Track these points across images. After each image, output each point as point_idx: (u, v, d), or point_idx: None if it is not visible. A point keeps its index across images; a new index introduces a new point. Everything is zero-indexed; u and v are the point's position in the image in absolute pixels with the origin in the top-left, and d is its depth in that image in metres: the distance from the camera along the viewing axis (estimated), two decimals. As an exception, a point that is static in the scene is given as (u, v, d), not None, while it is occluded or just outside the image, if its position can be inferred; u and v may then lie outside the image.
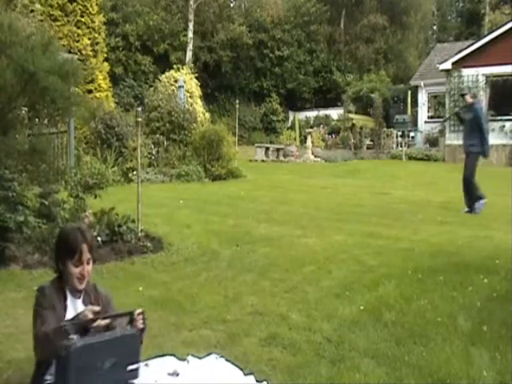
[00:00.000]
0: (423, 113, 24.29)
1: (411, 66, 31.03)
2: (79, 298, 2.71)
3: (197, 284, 5.06)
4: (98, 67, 16.22)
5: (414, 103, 24.60)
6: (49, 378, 2.55)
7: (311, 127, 25.19)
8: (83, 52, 15.52)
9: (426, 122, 24.02)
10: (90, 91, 15.31)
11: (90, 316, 2.47)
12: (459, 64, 20.03)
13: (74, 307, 2.68)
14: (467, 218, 8.67)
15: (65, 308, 2.64)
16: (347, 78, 30.26)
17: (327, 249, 6.46)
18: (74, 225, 2.93)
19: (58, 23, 15.40)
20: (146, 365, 2.88)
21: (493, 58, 18.84)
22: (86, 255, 2.65)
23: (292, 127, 27.09)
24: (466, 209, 9.22)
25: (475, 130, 9.22)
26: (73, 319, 2.49)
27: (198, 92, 18.46)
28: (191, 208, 8.90)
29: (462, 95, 10.07)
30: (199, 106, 17.87)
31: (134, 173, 11.03)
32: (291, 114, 30.12)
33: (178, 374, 2.65)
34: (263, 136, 27.27)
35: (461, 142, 19.80)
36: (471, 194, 9.18)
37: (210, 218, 8.14)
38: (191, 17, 27.66)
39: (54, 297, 2.62)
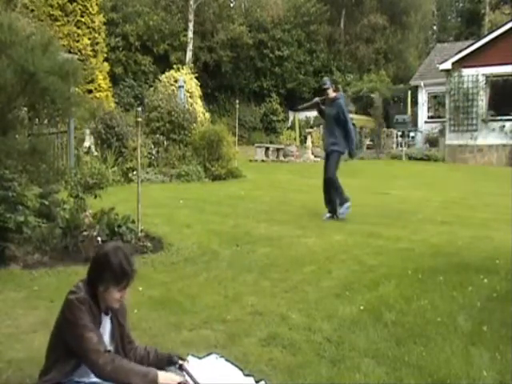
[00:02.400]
0: (423, 113, 24.29)
1: (411, 66, 31.02)
2: (108, 314, 2.65)
3: (197, 284, 5.06)
4: (98, 67, 16.25)
5: (414, 103, 24.60)
6: (77, 379, 2.53)
7: (311, 127, 25.18)
8: (83, 52, 15.55)
9: (426, 122, 24.03)
10: (90, 91, 15.34)
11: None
12: (459, 64, 20.03)
13: (104, 324, 2.62)
14: (467, 218, 8.66)
15: (100, 324, 2.57)
16: (347, 78, 30.25)
17: (327, 249, 6.46)
18: (119, 247, 2.65)
19: (58, 23, 15.42)
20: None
21: (493, 58, 18.84)
22: (131, 281, 2.59)
23: (292, 127, 27.08)
24: (328, 214, 8.35)
25: (338, 127, 8.22)
26: None
27: (198, 92, 18.46)
28: (191, 208, 8.89)
29: (324, 89, 8.42)
30: (199, 106, 17.87)
31: (134, 173, 11.02)
32: (291, 114, 30.12)
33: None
34: (263, 136, 27.28)
35: (461, 141, 20.24)
36: (334, 198, 8.29)
37: (210, 217, 8.14)
38: (191, 17, 27.67)
39: (94, 311, 2.53)
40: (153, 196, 9.33)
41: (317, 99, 8.63)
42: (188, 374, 2.59)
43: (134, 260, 2.65)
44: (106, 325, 2.63)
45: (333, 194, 8.28)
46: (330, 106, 8.31)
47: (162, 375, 2.46)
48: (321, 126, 25.84)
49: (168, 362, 2.70)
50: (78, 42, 15.62)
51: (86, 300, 2.50)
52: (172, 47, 28.26)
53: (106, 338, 2.63)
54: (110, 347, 2.63)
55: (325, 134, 8.71)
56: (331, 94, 8.35)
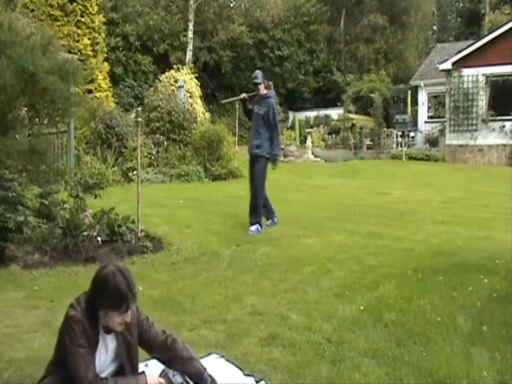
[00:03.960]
0: (423, 113, 24.28)
1: (411, 66, 31.02)
2: (109, 333, 2.57)
3: (197, 284, 5.06)
4: (97, 67, 16.23)
5: (414, 103, 24.59)
6: None
7: (311, 127, 25.19)
8: (83, 52, 15.54)
9: (426, 122, 24.01)
10: (90, 91, 15.33)
11: None
12: (459, 64, 20.03)
13: (105, 343, 2.58)
14: (467, 218, 8.66)
15: (96, 344, 2.51)
16: (347, 78, 30.25)
17: (327, 249, 6.46)
18: (119, 269, 2.54)
19: (58, 23, 15.41)
20: (146, 365, 2.89)
21: (493, 58, 18.84)
22: (131, 304, 2.50)
23: (292, 127, 27.07)
24: (268, 222, 7.55)
25: (265, 129, 7.37)
26: None
27: (198, 92, 18.45)
28: (191, 208, 8.89)
29: (255, 84, 7.45)
30: (199, 106, 17.87)
31: (134, 173, 11.03)
32: (291, 114, 30.12)
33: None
34: (263, 136, 27.23)
35: (461, 141, 20.25)
36: (258, 210, 7.35)
37: (210, 217, 8.14)
38: (191, 17, 27.65)
39: (89, 332, 2.47)
40: (153, 196, 9.34)
41: (244, 95, 7.66)
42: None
43: (134, 282, 2.55)
44: (108, 343, 2.58)
45: (258, 205, 7.38)
46: (259, 104, 7.44)
47: (150, 377, 2.47)
48: (321, 126, 25.98)
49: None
50: (77, 42, 15.61)
51: (80, 321, 2.45)
52: (172, 47, 28.24)
53: (109, 356, 2.60)
54: (111, 366, 2.60)
55: (250, 134, 7.70)
56: (262, 90, 7.45)
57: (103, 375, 2.57)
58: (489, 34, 20.53)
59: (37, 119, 5.85)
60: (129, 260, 5.76)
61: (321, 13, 31.34)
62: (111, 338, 2.59)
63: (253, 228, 7.21)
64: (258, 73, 7.60)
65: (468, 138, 20.10)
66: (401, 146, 21.65)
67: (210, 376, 2.69)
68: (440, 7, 40.33)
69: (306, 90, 30.89)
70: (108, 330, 2.56)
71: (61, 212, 6.20)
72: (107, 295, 2.45)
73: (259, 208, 7.36)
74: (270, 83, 7.56)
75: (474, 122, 20.08)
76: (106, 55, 17.86)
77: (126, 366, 2.63)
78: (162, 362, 2.75)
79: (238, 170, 14.22)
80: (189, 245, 6.42)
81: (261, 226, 7.30)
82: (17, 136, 5.44)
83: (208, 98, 25.41)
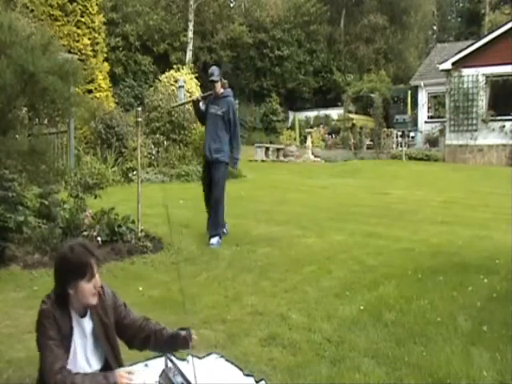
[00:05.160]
0: (423, 113, 24.28)
1: (411, 66, 31.03)
2: (85, 315, 2.57)
3: (197, 284, 5.06)
4: (97, 67, 16.22)
5: (414, 103, 24.60)
6: None
7: (311, 127, 25.18)
8: (83, 52, 15.53)
9: (426, 122, 24.01)
10: (90, 91, 15.31)
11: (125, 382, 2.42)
12: (459, 64, 20.03)
13: (82, 327, 2.56)
14: (467, 218, 8.66)
15: (71, 332, 2.50)
16: (347, 78, 30.25)
17: (327, 249, 6.46)
18: (72, 242, 2.61)
19: (58, 23, 15.40)
20: (146, 365, 2.88)
21: (493, 58, 18.84)
22: (96, 268, 2.51)
23: (292, 127, 27.08)
24: (215, 239, 6.61)
25: (226, 130, 6.73)
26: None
27: (198, 92, 18.42)
28: (191, 208, 8.88)
29: (212, 81, 6.71)
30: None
31: (134, 173, 11.02)
32: (291, 114, 30.13)
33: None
34: (263, 136, 27.25)
35: (461, 141, 20.25)
36: (219, 222, 6.76)
37: (210, 218, 8.13)
38: (191, 17, 27.66)
39: (60, 322, 2.46)
40: (153, 196, 9.33)
41: (197, 96, 7.08)
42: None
43: (93, 248, 2.58)
44: (86, 326, 2.57)
45: (219, 213, 6.80)
46: (215, 104, 6.74)
47: (120, 376, 2.44)
48: (321, 126, 25.97)
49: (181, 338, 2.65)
50: (77, 41, 15.59)
51: (49, 312, 2.45)
52: (172, 47, 28.26)
53: (89, 340, 2.58)
54: (96, 353, 2.59)
55: (207, 137, 6.87)
56: (219, 89, 6.75)
57: (89, 364, 2.56)
58: (489, 33, 20.54)
59: (37, 119, 5.85)
60: (129, 260, 5.76)
61: (321, 13, 31.36)
62: (87, 321, 2.58)
63: (214, 241, 6.54)
64: (215, 69, 6.84)
65: (468, 138, 20.10)
66: (401, 146, 21.65)
67: (187, 334, 2.65)
68: (440, 7, 40.33)
69: (306, 89, 30.91)
70: (83, 312, 2.55)
71: (61, 212, 6.20)
72: (70, 268, 2.46)
73: (220, 219, 6.75)
74: (226, 81, 6.92)
75: (474, 122, 20.08)
76: (106, 55, 17.84)
77: (107, 348, 2.61)
78: (141, 348, 2.74)
79: (238, 169, 14.21)
80: (189, 245, 6.42)
81: (221, 232, 6.73)
82: (17, 136, 5.43)
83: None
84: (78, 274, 2.46)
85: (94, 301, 2.53)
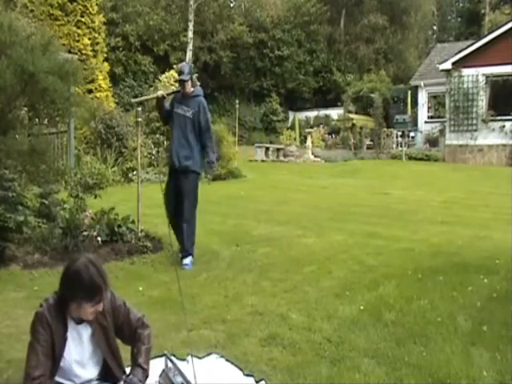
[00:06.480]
0: (423, 113, 24.27)
1: (411, 66, 31.01)
2: (82, 322, 2.56)
3: (197, 284, 5.06)
4: (98, 67, 16.22)
5: (414, 103, 24.59)
6: (59, 379, 2.51)
7: (311, 127, 25.18)
8: (83, 52, 15.53)
9: (426, 122, 24.01)
10: (90, 91, 15.32)
11: None
12: (459, 64, 20.03)
13: (78, 333, 2.55)
14: (467, 218, 8.66)
15: (64, 340, 2.49)
16: (347, 78, 30.24)
17: (327, 249, 6.46)
18: (90, 261, 2.48)
19: (58, 23, 15.41)
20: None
21: (493, 58, 18.84)
22: (104, 294, 2.48)
23: (292, 127, 27.08)
24: (188, 259, 5.83)
25: (197, 134, 5.89)
26: None
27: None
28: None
29: (182, 81, 5.86)
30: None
31: (134, 173, 11.03)
32: (291, 114, 30.12)
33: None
34: (263, 136, 27.26)
35: (461, 141, 20.25)
36: (191, 239, 5.94)
37: (209, 217, 8.12)
38: (191, 17, 27.65)
39: (53, 327, 2.45)
40: (153, 196, 9.32)
41: (161, 92, 6.09)
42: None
43: (105, 271, 2.53)
44: (83, 333, 2.56)
45: (192, 229, 6.00)
46: (184, 105, 5.89)
47: None
48: (321, 126, 25.97)
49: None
50: (78, 41, 15.61)
51: (43, 316, 2.45)
52: (172, 47, 28.26)
53: (86, 346, 2.58)
54: (93, 359, 2.59)
55: (174, 142, 5.98)
56: (189, 88, 5.90)
57: (84, 369, 2.56)
58: (489, 34, 20.53)
59: (37, 119, 5.85)
60: (129, 260, 5.76)
61: (321, 13, 31.35)
62: (85, 327, 2.57)
63: (187, 261, 5.79)
64: (185, 66, 6.07)
65: (468, 138, 20.09)
66: (401, 146, 21.65)
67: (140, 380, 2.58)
68: (440, 7, 40.32)
69: (306, 90, 30.90)
70: (79, 321, 2.55)
71: (61, 212, 6.21)
72: (80, 288, 2.42)
73: (192, 236, 5.93)
74: (196, 80, 6.28)
75: (474, 121, 20.08)
76: (106, 55, 17.85)
77: (106, 352, 2.60)
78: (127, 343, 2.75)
79: (238, 169, 14.23)
80: (189, 245, 6.40)
81: (192, 250, 5.92)
82: (17, 136, 5.44)
83: (208, 98, 25.39)
84: (86, 296, 2.44)
85: (91, 318, 2.53)
